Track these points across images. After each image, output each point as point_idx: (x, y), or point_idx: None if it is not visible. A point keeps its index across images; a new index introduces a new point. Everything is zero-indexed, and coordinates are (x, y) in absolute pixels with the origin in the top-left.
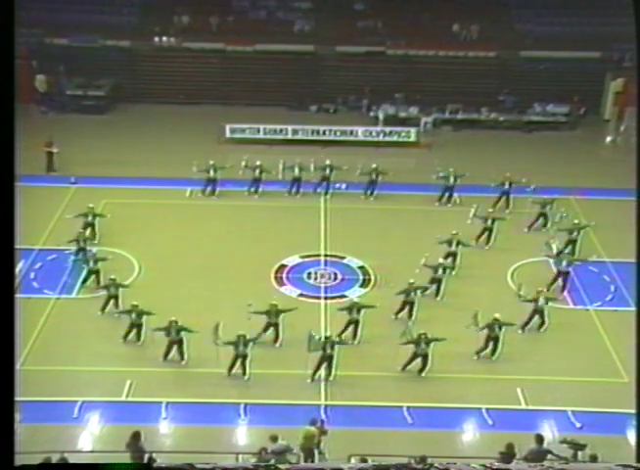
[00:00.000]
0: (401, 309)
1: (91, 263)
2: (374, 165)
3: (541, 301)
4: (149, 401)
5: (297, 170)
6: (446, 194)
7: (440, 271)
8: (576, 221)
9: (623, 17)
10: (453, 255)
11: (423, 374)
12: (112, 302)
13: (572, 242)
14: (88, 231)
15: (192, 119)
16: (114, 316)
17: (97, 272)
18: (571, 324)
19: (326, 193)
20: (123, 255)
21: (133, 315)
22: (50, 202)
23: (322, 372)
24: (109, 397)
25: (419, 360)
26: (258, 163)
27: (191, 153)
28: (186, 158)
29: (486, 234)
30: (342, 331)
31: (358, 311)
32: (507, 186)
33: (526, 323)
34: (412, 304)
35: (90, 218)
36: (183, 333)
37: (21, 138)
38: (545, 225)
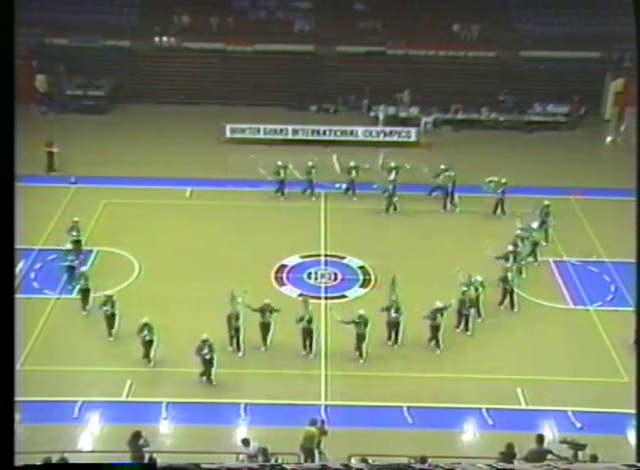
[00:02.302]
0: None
1: (82, 282)
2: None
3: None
4: (149, 401)
5: (354, 172)
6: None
7: (473, 290)
8: (546, 202)
9: (623, 17)
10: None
11: (397, 345)
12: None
13: (543, 223)
14: (73, 246)
15: (192, 120)
16: (109, 340)
17: (87, 291)
18: (571, 324)
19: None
20: (123, 255)
21: (145, 332)
22: (50, 202)
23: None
24: (109, 397)
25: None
26: (311, 163)
27: (191, 153)
28: (186, 158)
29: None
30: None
31: (365, 325)
32: (450, 184)
33: (502, 302)
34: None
35: (75, 233)
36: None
37: (21, 138)
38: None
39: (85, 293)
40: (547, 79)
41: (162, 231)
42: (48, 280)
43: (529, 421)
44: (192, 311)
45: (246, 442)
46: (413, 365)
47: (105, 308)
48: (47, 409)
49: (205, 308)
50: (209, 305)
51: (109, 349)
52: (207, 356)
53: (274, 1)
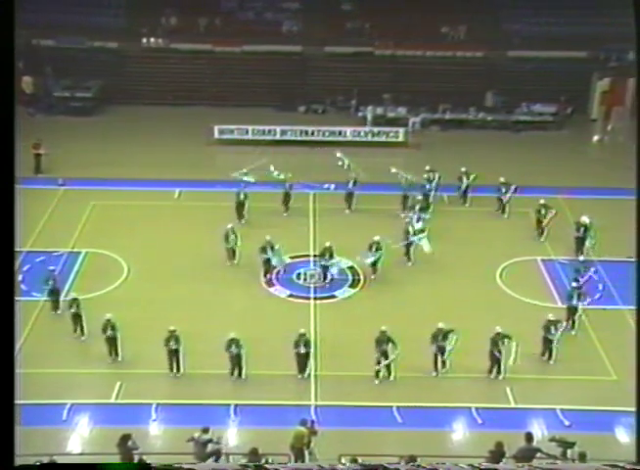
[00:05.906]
0: None
1: (51, 283)
2: (463, 169)
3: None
4: (138, 403)
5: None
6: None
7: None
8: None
9: (610, 17)
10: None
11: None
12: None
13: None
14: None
15: (180, 121)
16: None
17: (57, 292)
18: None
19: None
20: (112, 256)
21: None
22: (38, 204)
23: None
24: (98, 399)
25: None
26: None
27: (179, 154)
28: (174, 159)
29: None
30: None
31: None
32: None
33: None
34: None
35: (52, 283)
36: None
37: None
38: None
39: (55, 294)
40: (534, 79)
41: (151, 232)
42: (36, 282)
43: (518, 420)
44: (181, 313)
45: (205, 430)
46: (402, 365)
47: (108, 333)
48: (35, 412)
49: (194, 310)
50: (198, 307)
51: (97, 350)
52: (174, 347)
53: (262, 2)
